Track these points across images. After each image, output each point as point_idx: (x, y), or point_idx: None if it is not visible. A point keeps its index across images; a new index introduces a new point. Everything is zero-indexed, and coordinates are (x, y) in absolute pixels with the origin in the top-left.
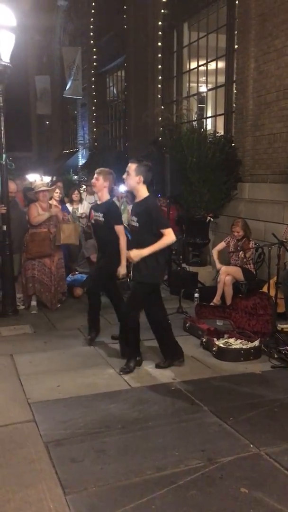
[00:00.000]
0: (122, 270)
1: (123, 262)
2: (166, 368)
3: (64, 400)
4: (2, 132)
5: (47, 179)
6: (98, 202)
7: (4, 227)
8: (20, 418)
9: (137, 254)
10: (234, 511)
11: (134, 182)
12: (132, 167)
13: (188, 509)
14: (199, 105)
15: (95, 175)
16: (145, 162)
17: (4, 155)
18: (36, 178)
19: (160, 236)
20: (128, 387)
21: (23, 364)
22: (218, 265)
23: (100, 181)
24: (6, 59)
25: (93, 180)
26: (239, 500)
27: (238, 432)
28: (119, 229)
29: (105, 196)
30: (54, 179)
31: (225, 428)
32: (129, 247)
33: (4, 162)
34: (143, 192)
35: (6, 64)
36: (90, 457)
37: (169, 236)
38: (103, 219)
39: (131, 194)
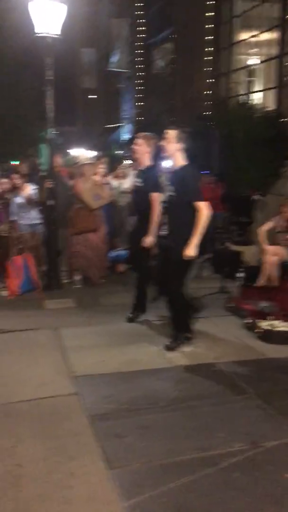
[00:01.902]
0: (150, 238)
1: (152, 230)
2: (175, 350)
3: (108, 375)
4: (51, 106)
5: (90, 153)
6: (138, 168)
7: (51, 202)
8: (65, 390)
9: (191, 249)
10: (278, 496)
11: (174, 149)
12: (172, 133)
13: (231, 492)
14: (248, 79)
15: (137, 140)
16: (185, 128)
17: (51, 130)
18: (80, 153)
19: (194, 208)
20: (171, 365)
21: (68, 337)
22: (264, 245)
23: (142, 146)
24: (57, 31)
25: (135, 146)
26: (283, 486)
27: (283, 417)
28: (154, 197)
29: (146, 162)
30: (98, 154)
31: (270, 412)
32: (165, 219)
33: (51, 137)
34: (181, 159)
35: (56, 36)
36: (134, 434)
37: (205, 209)
38: (141, 185)
39: None
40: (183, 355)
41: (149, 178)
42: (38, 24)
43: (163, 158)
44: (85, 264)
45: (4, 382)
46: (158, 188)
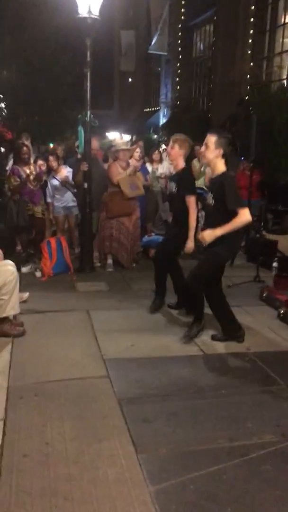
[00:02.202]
0: (190, 243)
1: (191, 235)
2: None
3: (138, 360)
4: (89, 88)
5: (127, 137)
6: (173, 171)
7: (86, 185)
8: (95, 373)
9: (210, 234)
10: None
11: (213, 156)
12: (211, 139)
13: (260, 483)
14: None
15: (170, 143)
16: (226, 134)
17: (88, 112)
18: (116, 137)
19: (235, 215)
20: (202, 353)
21: (99, 320)
22: None
23: (175, 149)
24: (96, 12)
25: (168, 149)
26: None
27: None
28: (190, 200)
29: (180, 165)
30: (134, 138)
31: None
32: (205, 225)
33: (88, 119)
34: (220, 166)
35: (95, 17)
36: (162, 419)
37: (244, 216)
38: (176, 189)
39: None
40: (213, 344)
41: (182, 181)
42: (81, 5)
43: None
44: (117, 249)
45: (36, 362)
46: (193, 191)
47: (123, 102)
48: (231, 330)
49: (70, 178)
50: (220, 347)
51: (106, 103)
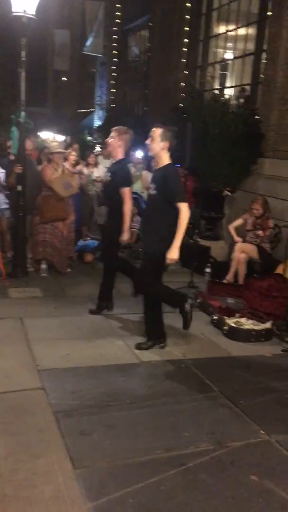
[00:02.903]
0: (125, 236)
1: (126, 227)
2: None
3: (74, 370)
4: (23, 88)
5: (60, 138)
6: (112, 161)
7: (19, 187)
8: (30, 384)
9: (174, 251)
10: (244, 499)
11: (158, 148)
12: (157, 131)
13: (198, 493)
14: (224, 73)
15: (111, 133)
16: (171, 127)
17: (23, 113)
18: (49, 136)
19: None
20: (138, 361)
21: (33, 328)
22: (236, 238)
23: (115, 140)
24: (32, 11)
25: (108, 139)
26: (249, 488)
27: (248, 417)
28: (125, 192)
29: (119, 156)
30: (68, 139)
31: (236, 411)
32: (144, 216)
33: (22, 120)
34: (165, 159)
35: (31, 16)
36: (99, 431)
37: (185, 212)
38: (110, 178)
39: (147, 161)
40: (149, 351)
41: (119, 171)
42: (15, 3)
43: (134, 151)
44: (52, 253)
45: None
46: (128, 182)
47: (56, 102)
48: (157, 334)
49: (2, 179)
50: (156, 354)
51: (39, 101)
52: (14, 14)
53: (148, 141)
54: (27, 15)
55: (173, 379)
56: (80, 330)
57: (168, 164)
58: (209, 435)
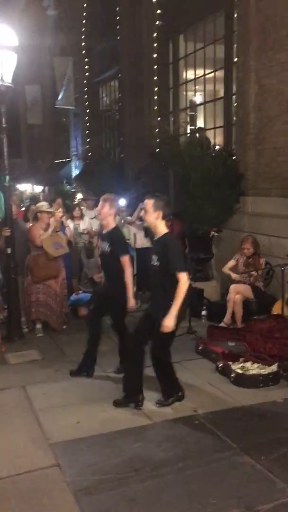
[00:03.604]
0: (131, 303)
1: (130, 295)
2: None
3: (86, 440)
4: (5, 153)
5: (38, 188)
6: (104, 231)
7: (9, 250)
8: (44, 462)
9: (170, 319)
10: None
11: (153, 218)
12: (149, 203)
13: None
14: (197, 116)
15: (101, 202)
16: (162, 196)
17: (7, 177)
18: (28, 188)
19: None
20: (150, 422)
21: (37, 397)
22: (233, 275)
23: (105, 209)
24: (8, 79)
25: (99, 208)
26: None
27: (272, 474)
28: (125, 260)
29: (111, 224)
30: (46, 189)
31: (258, 469)
32: (150, 286)
33: (7, 184)
34: (161, 228)
35: (8, 85)
36: (122, 508)
37: (184, 281)
38: (109, 249)
39: (131, 209)
40: (160, 409)
41: (115, 241)
42: None
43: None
44: (46, 313)
45: None
46: (127, 250)
47: (32, 153)
48: (173, 389)
49: None
50: (167, 412)
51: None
52: None
53: (142, 213)
54: (5, 84)
55: (189, 438)
56: (86, 393)
57: (166, 234)
58: (237, 499)
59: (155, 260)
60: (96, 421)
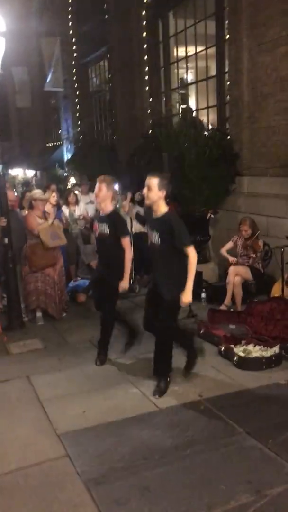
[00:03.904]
0: (124, 285)
1: (126, 277)
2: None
3: (93, 429)
4: None
5: (30, 173)
6: (101, 213)
7: (6, 240)
8: (53, 453)
9: (187, 294)
10: None
11: (156, 196)
12: (154, 181)
13: None
14: (189, 96)
15: (97, 184)
16: (166, 174)
17: (1, 165)
18: (19, 173)
19: (179, 251)
20: (156, 409)
21: (42, 387)
22: (230, 258)
23: (103, 191)
24: None
25: (96, 190)
26: None
27: (280, 457)
28: (126, 242)
29: (109, 206)
30: (38, 173)
31: (266, 452)
32: (150, 265)
33: (1, 172)
34: (163, 207)
35: None
36: (135, 497)
37: (194, 255)
38: (108, 231)
39: (126, 192)
40: (167, 395)
41: (116, 223)
42: None
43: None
44: (45, 301)
45: None
46: (127, 231)
47: (22, 138)
48: (167, 369)
49: None
50: (174, 398)
51: (5, 139)
52: None
53: (144, 191)
54: None
55: (196, 423)
56: (90, 381)
57: (167, 212)
58: (246, 484)
59: (155, 238)
60: (102, 410)
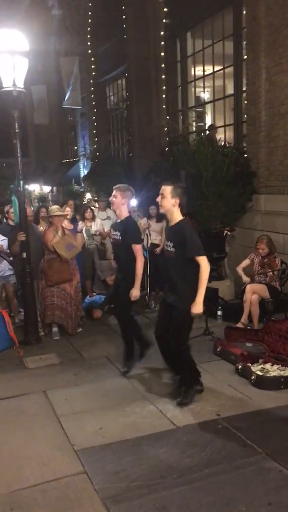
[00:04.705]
0: (135, 292)
1: (137, 284)
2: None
3: (111, 446)
4: (19, 158)
5: (47, 188)
6: (117, 220)
7: (24, 254)
8: (70, 470)
9: (198, 305)
10: None
11: (170, 205)
12: (167, 189)
13: None
14: (206, 114)
15: (113, 192)
16: (180, 183)
17: (21, 181)
18: (36, 188)
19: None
20: (174, 427)
21: (59, 402)
22: (244, 278)
23: (118, 198)
24: (20, 84)
25: (111, 198)
26: None
27: None
28: (137, 249)
29: (124, 214)
30: (54, 189)
31: (286, 474)
32: (163, 274)
33: (21, 189)
34: (177, 215)
35: (20, 89)
36: None
37: (205, 265)
38: (120, 237)
39: (143, 208)
40: (182, 413)
41: (128, 230)
42: (5, 78)
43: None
44: (61, 316)
45: (1, 465)
46: (139, 238)
47: (39, 154)
48: (193, 379)
49: (5, 246)
50: (190, 416)
51: (22, 154)
52: (4, 89)
53: (158, 199)
54: (17, 89)
55: (214, 444)
56: (106, 397)
57: (181, 220)
58: (266, 507)
59: (170, 247)
60: (118, 427)
